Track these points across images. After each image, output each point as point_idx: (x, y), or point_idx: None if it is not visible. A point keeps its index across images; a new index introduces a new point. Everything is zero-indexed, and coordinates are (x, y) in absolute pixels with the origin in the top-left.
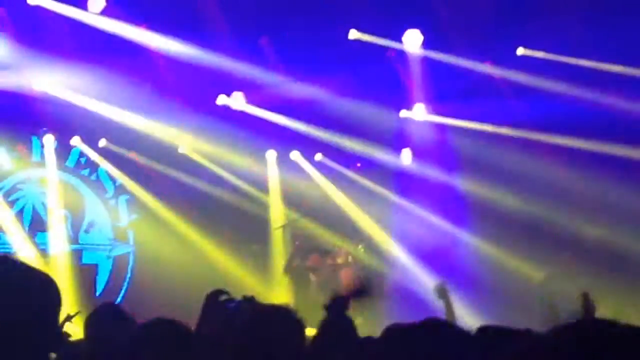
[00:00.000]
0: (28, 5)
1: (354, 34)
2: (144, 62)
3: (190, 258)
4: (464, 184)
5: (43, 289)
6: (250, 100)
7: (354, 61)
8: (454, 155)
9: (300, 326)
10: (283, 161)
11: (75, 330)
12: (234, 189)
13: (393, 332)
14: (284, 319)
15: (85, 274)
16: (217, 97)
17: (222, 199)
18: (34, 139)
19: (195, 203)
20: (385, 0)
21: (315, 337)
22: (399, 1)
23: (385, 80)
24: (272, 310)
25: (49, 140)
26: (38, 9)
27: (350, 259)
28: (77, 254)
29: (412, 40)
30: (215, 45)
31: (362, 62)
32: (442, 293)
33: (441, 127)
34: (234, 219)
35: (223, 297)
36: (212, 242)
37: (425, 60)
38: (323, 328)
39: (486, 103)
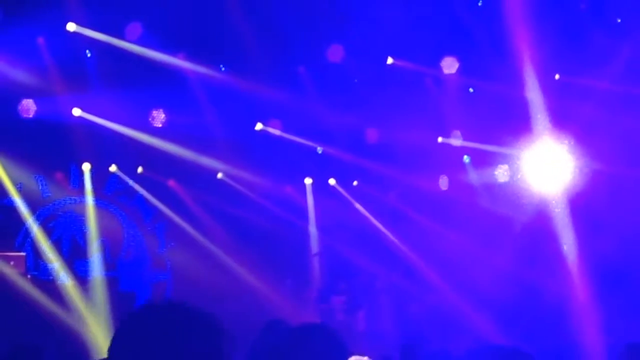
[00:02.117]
0: (67, 32)
1: (390, 60)
2: (181, 89)
3: (228, 285)
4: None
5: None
6: (288, 128)
7: (392, 88)
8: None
9: (342, 346)
10: (320, 188)
11: None
12: (272, 216)
13: None
14: (327, 338)
15: (123, 300)
16: (255, 124)
17: (259, 225)
18: (72, 166)
19: (233, 230)
20: (422, 27)
21: None
22: (436, 28)
23: (423, 106)
24: (315, 329)
25: (87, 168)
26: (77, 36)
27: None
28: (115, 281)
29: (449, 67)
30: (253, 74)
31: (400, 89)
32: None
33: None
34: (272, 246)
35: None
36: (250, 269)
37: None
38: None
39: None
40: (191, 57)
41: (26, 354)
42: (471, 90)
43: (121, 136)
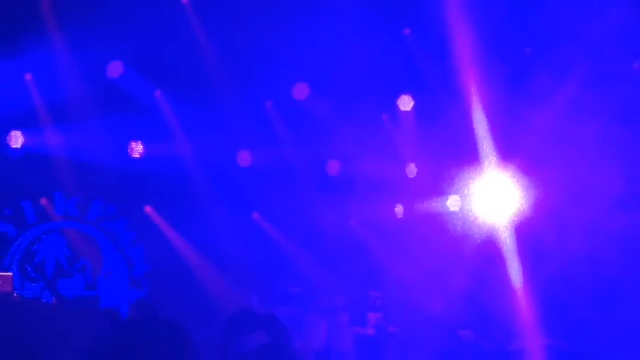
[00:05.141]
0: (54, 70)
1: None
2: (158, 124)
3: (200, 303)
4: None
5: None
6: (257, 159)
7: (352, 124)
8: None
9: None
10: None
11: None
12: (240, 240)
13: None
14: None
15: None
16: (225, 155)
17: (229, 249)
18: (57, 193)
19: (206, 253)
20: (381, 68)
21: None
22: (394, 69)
23: (381, 141)
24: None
25: (71, 196)
26: (63, 73)
27: None
28: (96, 299)
29: (405, 105)
30: (226, 109)
31: (360, 125)
32: None
33: None
34: (242, 268)
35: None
36: (221, 289)
37: (418, 122)
38: None
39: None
40: (168, 94)
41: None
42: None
43: (103, 165)
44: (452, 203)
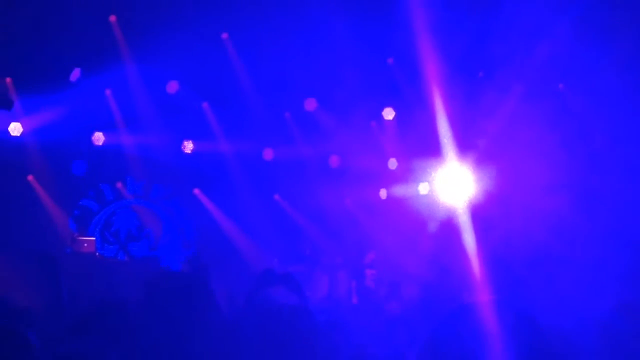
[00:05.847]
0: (127, 86)
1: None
2: (204, 126)
3: (235, 262)
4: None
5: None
6: (278, 155)
7: (349, 128)
8: None
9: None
10: (298, 196)
11: None
12: (263, 215)
13: None
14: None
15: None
16: (255, 150)
17: (256, 222)
18: (129, 178)
19: (241, 223)
20: (371, 85)
21: None
22: (379, 87)
23: (370, 141)
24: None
25: (139, 180)
26: (134, 89)
27: None
28: (157, 259)
29: (388, 114)
30: (254, 117)
31: (355, 129)
32: None
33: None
34: (267, 235)
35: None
36: (253, 252)
37: (397, 128)
38: None
39: None
40: (212, 104)
41: (112, 309)
42: None
43: (162, 158)
44: (422, 188)
